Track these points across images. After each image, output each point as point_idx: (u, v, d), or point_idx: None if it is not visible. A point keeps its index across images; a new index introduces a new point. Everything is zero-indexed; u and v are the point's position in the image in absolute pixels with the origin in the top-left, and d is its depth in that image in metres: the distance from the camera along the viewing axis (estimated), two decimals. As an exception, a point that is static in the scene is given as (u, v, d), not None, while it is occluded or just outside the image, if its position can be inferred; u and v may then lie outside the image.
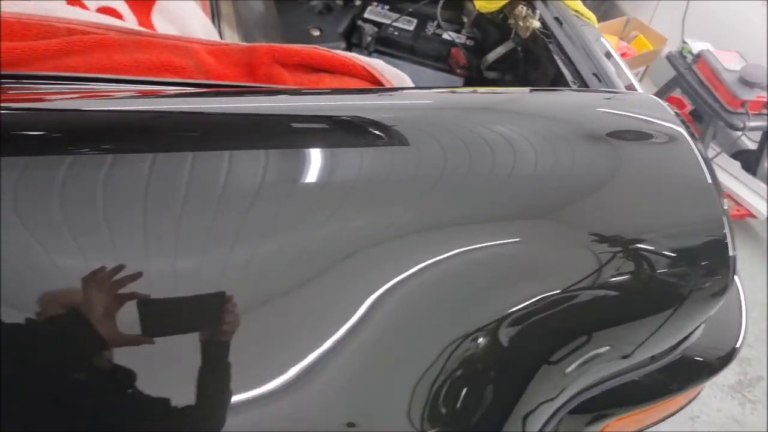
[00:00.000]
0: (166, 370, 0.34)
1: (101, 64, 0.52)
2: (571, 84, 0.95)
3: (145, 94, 0.49)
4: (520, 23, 1.07)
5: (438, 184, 0.42)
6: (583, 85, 0.94)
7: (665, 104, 0.54)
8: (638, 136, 0.51)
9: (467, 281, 0.42)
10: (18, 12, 0.53)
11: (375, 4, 1.33)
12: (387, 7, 1.33)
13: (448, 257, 0.41)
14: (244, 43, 0.62)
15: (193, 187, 0.35)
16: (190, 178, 0.36)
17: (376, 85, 0.63)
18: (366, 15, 1.30)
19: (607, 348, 0.49)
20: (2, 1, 0.53)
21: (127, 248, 0.34)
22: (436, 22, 1.31)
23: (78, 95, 0.48)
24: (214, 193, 0.36)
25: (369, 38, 1.26)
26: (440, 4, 1.18)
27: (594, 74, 0.95)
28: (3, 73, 0.47)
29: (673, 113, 0.53)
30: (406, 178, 0.41)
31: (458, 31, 1.29)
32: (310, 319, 0.37)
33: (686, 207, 0.49)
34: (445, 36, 1.28)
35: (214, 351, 0.35)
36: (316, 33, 1.25)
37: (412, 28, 1.29)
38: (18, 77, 0.48)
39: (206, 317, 0.35)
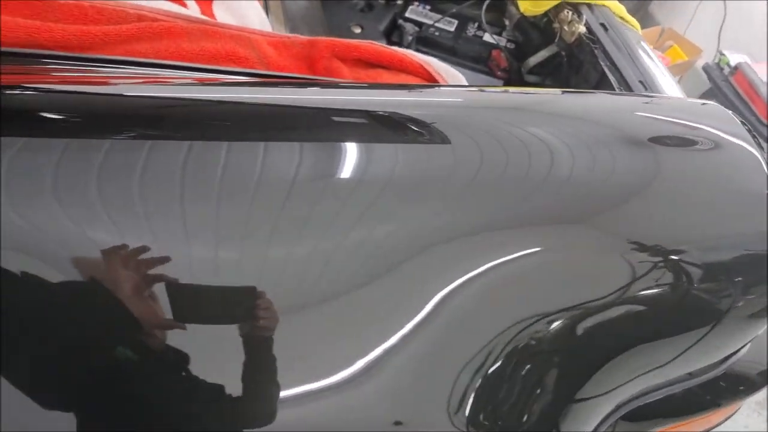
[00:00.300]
0: (216, 358, 0.34)
1: (169, 51, 0.52)
2: (616, 90, 0.95)
3: (201, 82, 0.49)
4: (565, 28, 1.07)
5: (475, 185, 0.41)
6: (629, 91, 0.93)
7: (729, 112, 0.54)
8: (685, 142, 0.50)
9: (502, 286, 0.41)
10: (91, -3, 0.54)
11: (416, 3, 1.33)
12: (428, 7, 1.33)
13: (484, 262, 0.40)
14: (304, 37, 0.63)
15: (262, 177, 0.36)
16: (257, 168, 0.36)
17: (431, 83, 0.63)
18: (407, 14, 1.31)
19: (642, 363, 0.48)
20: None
21: (194, 233, 0.34)
22: (476, 24, 1.31)
23: (141, 80, 0.49)
24: (266, 184, 0.36)
25: (410, 37, 1.26)
26: (484, 6, 1.18)
27: (640, 81, 0.95)
28: (76, 55, 0.48)
29: (738, 121, 0.52)
30: (446, 177, 0.41)
31: (499, 34, 1.29)
32: (359, 317, 0.37)
33: (742, 217, 0.48)
34: (486, 38, 1.28)
35: (264, 344, 0.35)
36: (358, 30, 1.26)
37: (452, 28, 1.29)
38: (90, 60, 0.49)
39: (253, 310, 0.35)
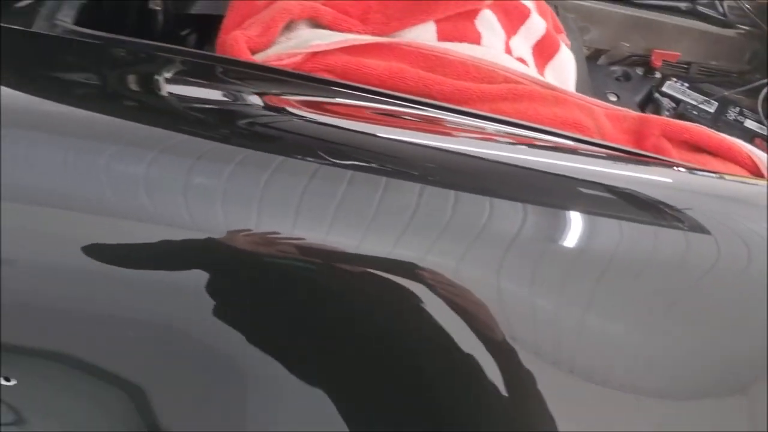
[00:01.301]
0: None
1: (527, 114, 0.57)
2: None
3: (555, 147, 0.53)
4: None
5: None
6: None
7: None
8: None
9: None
10: (470, 56, 0.60)
11: (674, 80, 1.31)
12: (686, 84, 1.30)
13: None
14: (634, 112, 0.65)
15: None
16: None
17: (755, 176, 0.63)
18: (664, 89, 1.29)
19: None
20: (456, 43, 0.62)
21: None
22: (738, 109, 1.26)
23: (504, 137, 0.54)
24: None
25: (666, 113, 1.25)
26: (762, 94, 1.14)
27: None
28: (456, 108, 0.54)
29: None
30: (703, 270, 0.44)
31: (761, 122, 1.24)
32: None
33: None
34: (748, 124, 1.23)
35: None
36: (613, 98, 1.27)
37: (712, 110, 1.25)
38: (464, 114, 0.55)
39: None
